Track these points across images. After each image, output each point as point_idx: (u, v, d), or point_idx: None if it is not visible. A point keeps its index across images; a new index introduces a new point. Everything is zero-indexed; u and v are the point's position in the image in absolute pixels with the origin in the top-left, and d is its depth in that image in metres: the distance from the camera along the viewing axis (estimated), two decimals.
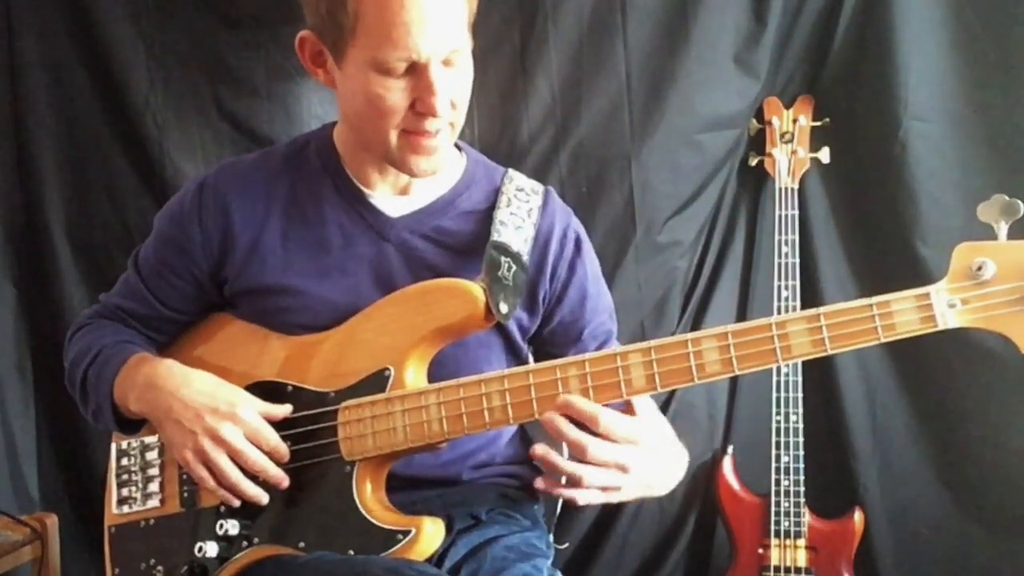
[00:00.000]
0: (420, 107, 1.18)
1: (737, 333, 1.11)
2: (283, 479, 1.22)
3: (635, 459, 1.12)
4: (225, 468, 1.20)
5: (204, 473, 1.22)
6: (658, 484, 1.23)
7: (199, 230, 1.32)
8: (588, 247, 1.40)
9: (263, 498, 1.23)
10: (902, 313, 1.07)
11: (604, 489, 1.13)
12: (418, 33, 1.13)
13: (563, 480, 1.12)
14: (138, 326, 1.40)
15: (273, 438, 1.22)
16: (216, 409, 1.20)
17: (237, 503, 1.23)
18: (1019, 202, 1.08)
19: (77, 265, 2.22)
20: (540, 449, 1.13)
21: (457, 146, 1.39)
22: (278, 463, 1.22)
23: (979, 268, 1.06)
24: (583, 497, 1.13)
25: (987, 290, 1.07)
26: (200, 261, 1.33)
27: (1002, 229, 1.09)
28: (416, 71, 1.16)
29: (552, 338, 1.37)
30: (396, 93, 1.18)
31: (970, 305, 1.07)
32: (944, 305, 1.07)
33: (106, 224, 2.21)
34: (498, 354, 1.34)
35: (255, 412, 1.22)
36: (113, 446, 1.40)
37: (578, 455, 1.11)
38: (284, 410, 1.24)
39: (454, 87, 1.20)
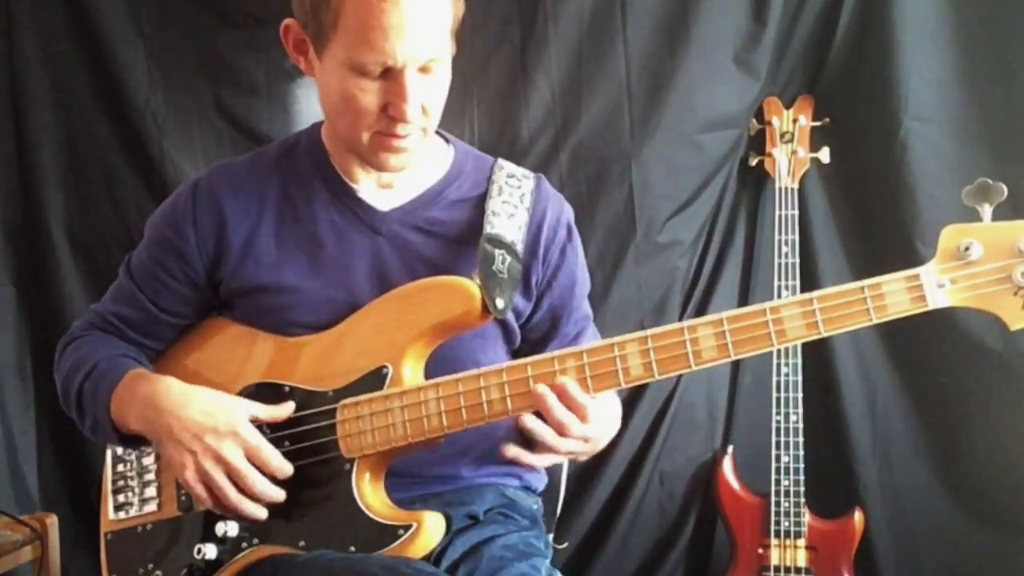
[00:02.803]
0: (392, 111, 1.19)
1: (732, 319, 1.13)
2: (280, 497, 1.22)
3: (597, 432, 1.19)
4: (225, 488, 1.20)
5: (204, 493, 1.21)
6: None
7: (194, 231, 1.32)
8: (577, 234, 1.42)
9: (261, 514, 1.22)
10: (893, 294, 1.10)
11: (566, 454, 1.19)
12: (396, 39, 1.13)
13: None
14: (133, 334, 1.38)
15: (275, 457, 1.21)
16: (216, 428, 1.20)
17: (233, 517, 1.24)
18: (1002, 185, 1.10)
19: (77, 265, 2.22)
20: (511, 452, 1.18)
21: (445, 138, 1.40)
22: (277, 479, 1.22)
23: (966, 249, 1.09)
24: (545, 462, 1.19)
25: (974, 270, 1.09)
26: (196, 263, 1.33)
27: (986, 212, 1.11)
28: (391, 75, 1.17)
29: (539, 323, 1.38)
30: (369, 95, 1.18)
31: (959, 285, 1.10)
32: (934, 285, 1.10)
33: (106, 224, 2.21)
34: (493, 342, 1.34)
35: (256, 432, 1.21)
36: (108, 452, 1.40)
37: (558, 431, 1.14)
38: (287, 409, 1.24)
39: (428, 94, 1.20)
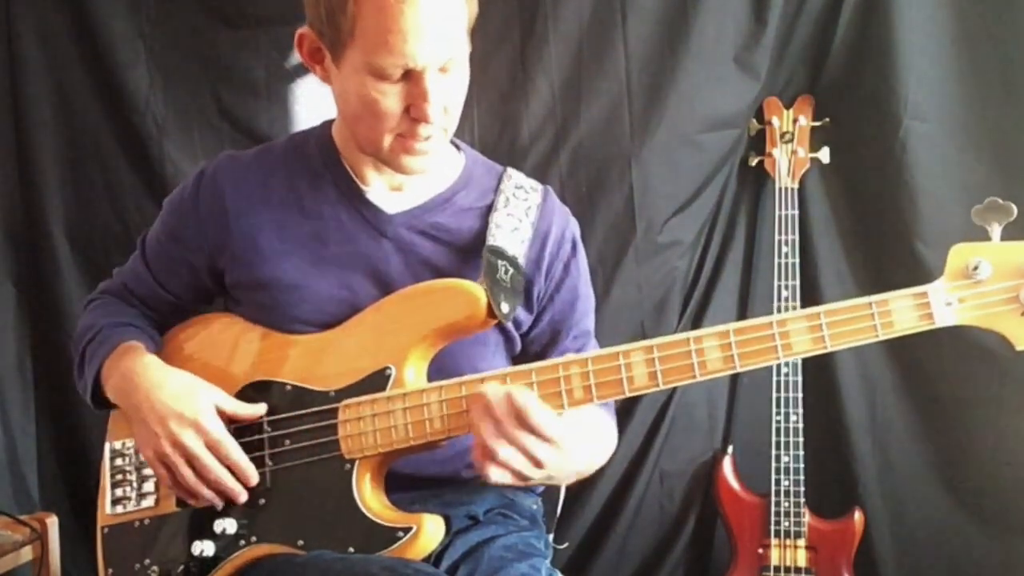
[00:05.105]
0: (414, 113, 1.19)
1: (739, 331, 1.12)
2: (240, 494, 1.23)
3: (551, 458, 1.12)
4: (182, 472, 1.22)
5: (163, 472, 1.24)
6: (562, 479, 1.26)
7: (196, 220, 1.33)
8: (581, 247, 1.41)
9: (218, 502, 1.24)
10: (901, 311, 1.10)
11: (514, 473, 1.11)
12: (415, 42, 1.14)
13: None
14: (139, 305, 1.43)
15: (234, 453, 1.22)
16: (181, 415, 1.21)
17: (195, 503, 1.25)
18: (1012, 205, 1.11)
19: (77, 265, 2.22)
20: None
21: (456, 145, 1.40)
22: (245, 480, 1.23)
23: (975, 268, 1.09)
24: (493, 473, 1.11)
25: (983, 289, 1.09)
26: (197, 251, 1.34)
27: (995, 231, 1.11)
28: (411, 77, 1.17)
29: (539, 337, 1.38)
30: (391, 98, 1.19)
31: (967, 304, 1.10)
32: (942, 304, 1.10)
33: (106, 224, 2.22)
34: (493, 350, 1.34)
35: (219, 424, 1.22)
36: (107, 446, 1.40)
37: (503, 434, 1.09)
38: (255, 410, 1.25)
39: (448, 94, 1.21)
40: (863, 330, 1.10)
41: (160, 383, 1.25)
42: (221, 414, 1.24)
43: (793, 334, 1.11)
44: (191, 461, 1.21)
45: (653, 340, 1.14)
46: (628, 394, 1.15)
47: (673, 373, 1.14)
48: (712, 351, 1.12)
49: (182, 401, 1.22)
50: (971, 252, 1.10)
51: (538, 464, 1.10)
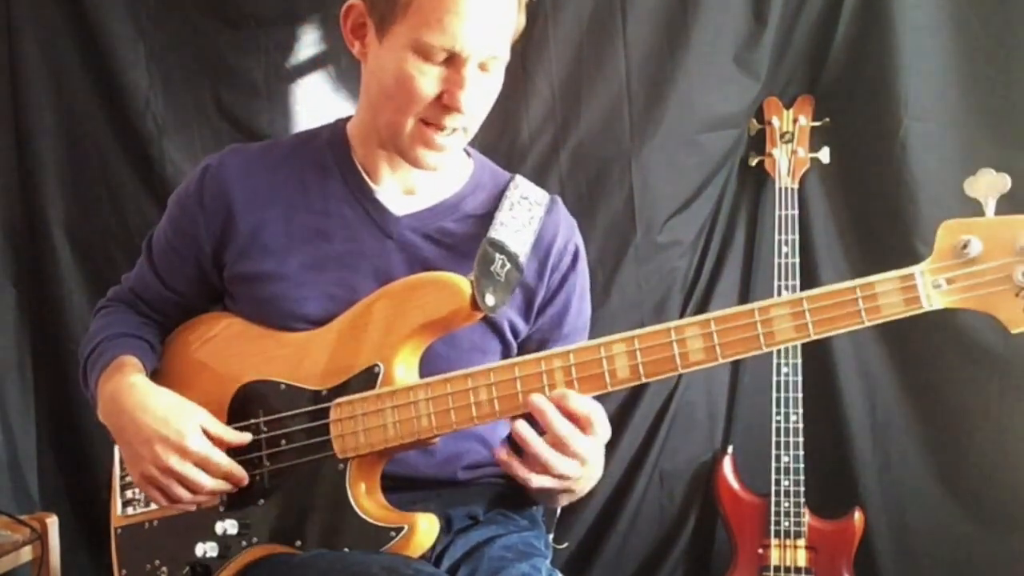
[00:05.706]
0: (446, 99, 1.19)
1: (720, 320, 1.09)
2: (230, 489, 1.24)
3: (595, 453, 1.14)
4: (176, 491, 1.22)
5: (155, 494, 1.24)
6: (587, 485, 1.25)
7: (201, 212, 1.32)
8: (583, 262, 1.41)
9: (215, 498, 1.25)
10: (886, 295, 1.04)
11: (560, 477, 1.13)
12: (468, 26, 1.15)
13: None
14: (147, 309, 1.42)
15: (224, 464, 1.22)
16: (166, 439, 1.20)
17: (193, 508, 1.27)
18: (1007, 176, 1.04)
19: (77, 265, 2.22)
20: (503, 454, 1.14)
21: (465, 151, 1.40)
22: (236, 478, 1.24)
23: (965, 246, 1.02)
24: (538, 480, 1.12)
25: (973, 268, 1.02)
26: (203, 243, 1.33)
27: (989, 205, 1.05)
28: (453, 64, 1.18)
29: (526, 345, 1.37)
30: (428, 78, 1.19)
31: (956, 284, 1.03)
32: (929, 286, 1.04)
33: (106, 224, 2.22)
34: (491, 357, 1.33)
35: (203, 442, 1.21)
36: (117, 448, 1.40)
37: (559, 447, 1.11)
38: (240, 437, 1.25)
39: (480, 93, 1.22)
40: (847, 316, 1.04)
41: (144, 405, 1.24)
42: (207, 435, 1.23)
43: (776, 321, 1.07)
44: (182, 481, 1.21)
45: (634, 332, 1.12)
46: (611, 388, 1.13)
47: (655, 365, 1.11)
48: (694, 341, 1.09)
49: (167, 424, 1.21)
50: (961, 229, 1.03)
51: (583, 461, 1.12)
